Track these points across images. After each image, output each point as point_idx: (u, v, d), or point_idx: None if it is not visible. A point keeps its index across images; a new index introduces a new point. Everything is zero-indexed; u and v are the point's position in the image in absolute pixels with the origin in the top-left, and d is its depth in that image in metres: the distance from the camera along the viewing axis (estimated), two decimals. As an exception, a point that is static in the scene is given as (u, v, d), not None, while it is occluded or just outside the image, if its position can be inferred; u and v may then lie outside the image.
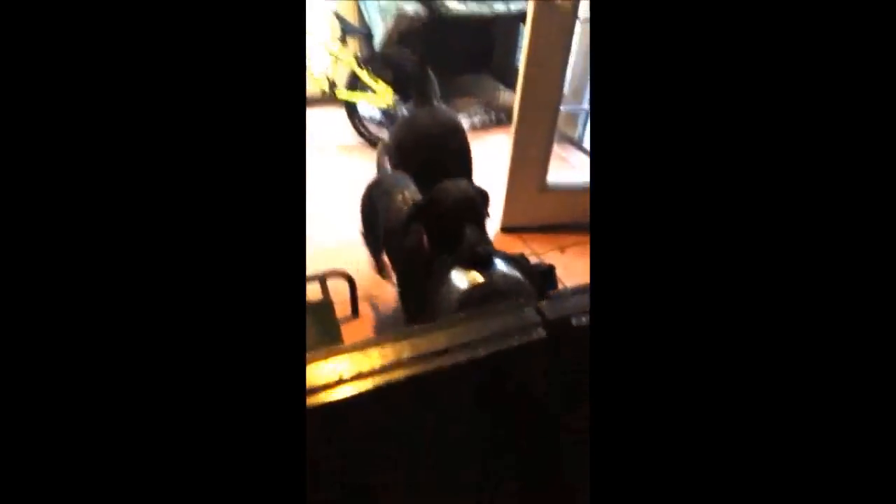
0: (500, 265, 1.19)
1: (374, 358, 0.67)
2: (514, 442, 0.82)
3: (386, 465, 0.73)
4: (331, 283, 1.76)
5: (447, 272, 1.19)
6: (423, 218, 1.29)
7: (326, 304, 1.61)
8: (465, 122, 2.85)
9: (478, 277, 1.16)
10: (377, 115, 2.95)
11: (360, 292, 1.81)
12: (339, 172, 2.66)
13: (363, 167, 2.73)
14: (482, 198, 1.30)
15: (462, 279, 1.16)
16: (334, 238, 2.16)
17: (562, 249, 2.20)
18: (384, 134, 2.87)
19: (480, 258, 1.17)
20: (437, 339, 0.71)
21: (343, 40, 2.67)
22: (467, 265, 1.16)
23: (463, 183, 1.30)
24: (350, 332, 1.78)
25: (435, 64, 2.59)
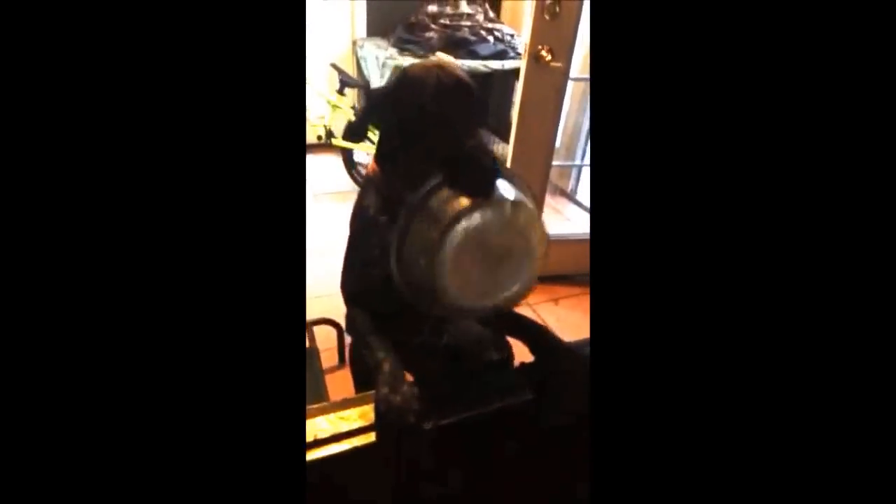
0: (509, 189, 0.70)
1: (351, 419, 0.65)
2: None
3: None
4: (319, 329, 1.73)
5: (425, 201, 0.70)
6: (387, 111, 0.83)
7: (312, 352, 1.57)
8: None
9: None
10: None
11: (348, 340, 1.77)
12: (331, 219, 2.67)
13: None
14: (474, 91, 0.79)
15: (452, 206, 0.67)
16: (325, 284, 2.14)
17: (555, 301, 2.19)
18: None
19: (482, 169, 0.68)
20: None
21: (341, 91, 2.73)
22: (461, 185, 0.68)
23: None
24: (336, 381, 1.73)
25: (431, 116, 2.66)
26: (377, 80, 2.83)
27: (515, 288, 0.72)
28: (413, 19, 3.00)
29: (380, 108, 0.86)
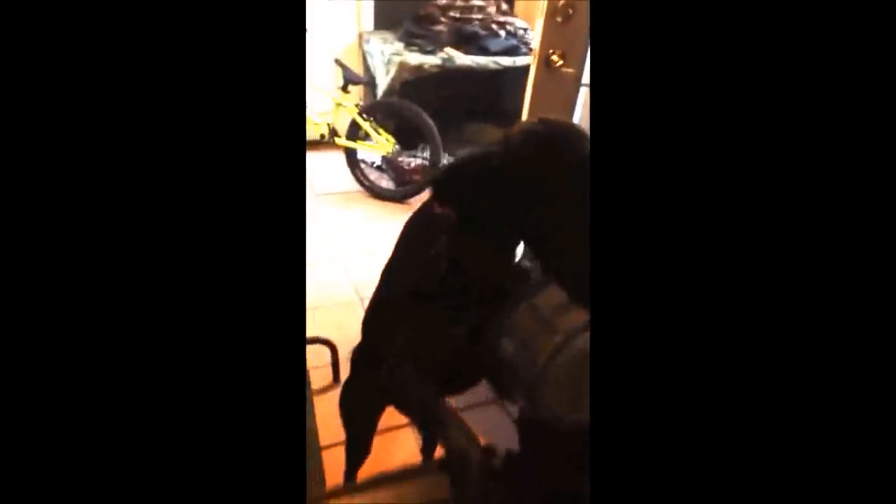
0: None
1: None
2: None
3: None
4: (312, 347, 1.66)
5: (534, 294, 0.64)
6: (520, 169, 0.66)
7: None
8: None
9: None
10: (378, 162, 2.90)
11: (344, 355, 1.69)
12: (332, 223, 2.58)
13: (358, 216, 2.66)
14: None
15: (568, 317, 0.62)
16: (322, 295, 2.06)
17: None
18: (384, 182, 2.80)
19: None
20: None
21: (345, 88, 2.63)
22: (577, 293, 0.63)
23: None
24: (331, 402, 1.66)
25: (438, 114, 2.55)
26: (382, 77, 2.73)
27: None
28: (422, 12, 2.88)
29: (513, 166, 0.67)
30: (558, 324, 0.61)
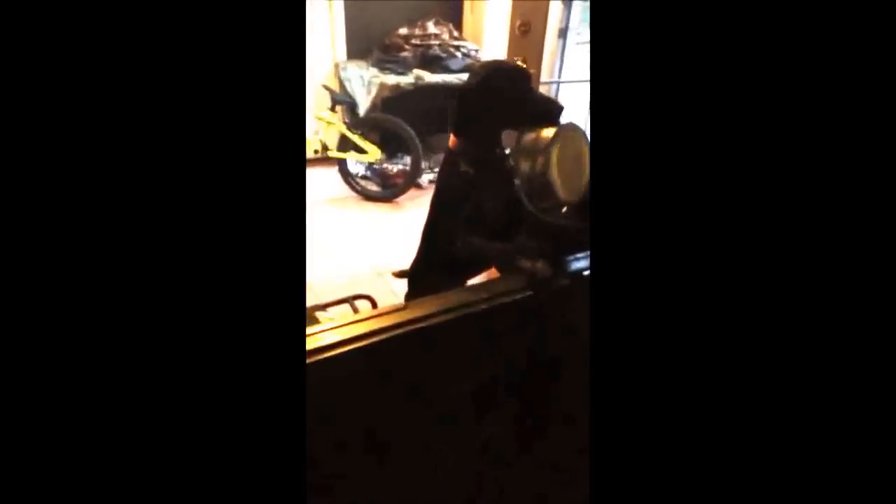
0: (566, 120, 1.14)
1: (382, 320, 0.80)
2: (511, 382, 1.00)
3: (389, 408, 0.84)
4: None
5: (519, 142, 1.12)
6: (477, 94, 1.19)
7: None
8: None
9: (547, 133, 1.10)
10: (363, 171, 3.33)
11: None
12: (333, 222, 2.98)
13: (355, 215, 3.07)
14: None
15: (543, 136, 1.09)
16: (346, 270, 2.45)
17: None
18: (372, 186, 3.23)
19: (553, 108, 1.16)
20: (435, 303, 0.85)
21: (333, 108, 3.06)
22: (542, 121, 1.12)
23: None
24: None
25: (414, 125, 3.03)
26: (363, 97, 3.18)
27: (584, 181, 1.11)
28: (388, 41, 3.37)
29: (474, 99, 1.22)
30: (541, 143, 1.08)
